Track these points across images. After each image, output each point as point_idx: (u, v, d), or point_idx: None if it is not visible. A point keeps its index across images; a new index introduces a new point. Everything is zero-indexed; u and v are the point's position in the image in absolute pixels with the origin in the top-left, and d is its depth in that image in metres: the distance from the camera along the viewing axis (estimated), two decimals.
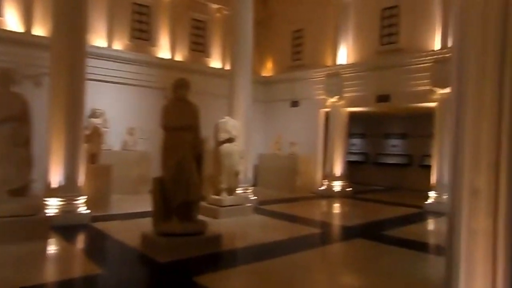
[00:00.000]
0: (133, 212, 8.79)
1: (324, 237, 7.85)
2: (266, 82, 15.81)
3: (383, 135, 17.62)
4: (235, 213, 8.87)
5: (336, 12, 13.63)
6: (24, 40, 10.31)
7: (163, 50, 13.38)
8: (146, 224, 6.37)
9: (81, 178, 7.72)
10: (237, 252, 6.40)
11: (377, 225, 9.06)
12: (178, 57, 13.71)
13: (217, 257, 5.91)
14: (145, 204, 9.24)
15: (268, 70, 16.34)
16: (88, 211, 7.67)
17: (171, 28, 13.50)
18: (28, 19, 10.70)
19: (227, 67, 13.57)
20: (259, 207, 10.09)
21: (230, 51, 11.38)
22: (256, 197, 10.59)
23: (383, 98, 12.44)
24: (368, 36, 13.05)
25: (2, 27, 10.29)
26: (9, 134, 6.18)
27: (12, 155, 6.16)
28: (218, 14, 14.72)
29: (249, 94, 10.69)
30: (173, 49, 13.59)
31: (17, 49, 10.14)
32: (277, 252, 6.29)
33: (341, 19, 13.47)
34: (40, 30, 10.74)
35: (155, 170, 10.97)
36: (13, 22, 10.54)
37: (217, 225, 7.45)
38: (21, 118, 6.35)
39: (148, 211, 6.97)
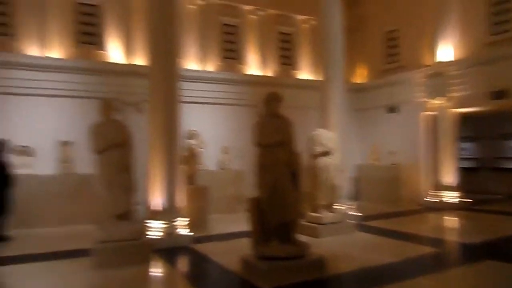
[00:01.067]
0: (231, 233, 8.68)
1: (443, 258, 6.85)
2: (359, 89, 14.98)
3: (499, 136, 15.55)
4: (336, 231, 8.27)
5: (436, 5, 12.40)
6: (125, 70, 11.05)
7: (252, 67, 13.42)
8: (245, 246, 6.13)
9: (181, 200, 7.82)
10: (343, 278, 5.82)
11: (506, 242, 7.75)
12: (267, 73, 13.64)
13: (322, 284, 5.41)
14: (242, 223, 9.12)
15: (360, 76, 15.50)
16: (190, 233, 7.70)
17: (259, 44, 13.53)
18: (129, 51, 11.47)
19: (317, 77, 13.14)
20: (362, 224, 9.34)
21: (320, 61, 10.95)
22: (357, 213, 9.85)
23: (498, 95, 10.91)
24: (474, 28, 11.66)
25: (106, 60, 11.16)
26: (114, 161, 6.41)
27: (117, 180, 6.38)
28: (305, 25, 14.42)
29: (343, 103, 10.12)
30: (262, 65, 13.58)
31: (120, 79, 10.89)
32: (389, 277, 5.59)
33: (442, 12, 12.21)
34: (139, 59, 11.43)
35: (250, 188, 10.98)
36: (116, 55, 11.36)
37: (318, 245, 6.94)
38: (124, 144, 6.57)
39: (245, 231, 6.76)
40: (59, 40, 10.71)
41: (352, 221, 8.94)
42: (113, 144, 6.44)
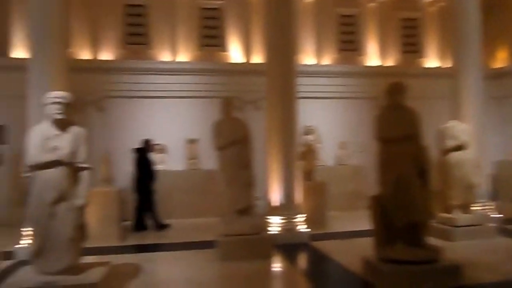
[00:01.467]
0: (350, 231, 8.35)
1: None
2: (499, 75, 13.09)
3: None
4: (473, 235, 7.33)
5: None
6: (245, 69, 11.43)
7: (371, 58, 12.74)
8: (366, 246, 5.79)
9: (299, 196, 7.77)
10: None
11: None
12: (388, 63, 12.80)
13: None
14: (362, 222, 8.65)
15: (500, 60, 13.56)
16: (308, 229, 7.61)
17: (379, 33, 12.76)
18: (247, 50, 11.85)
19: (447, 64, 11.92)
20: (504, 227, 8.14)
21: (450, 46, 9.86)
22: (498, 215, 8.62)
23: None
24: None
25: (228, 61, 11.72)
26: (234, 157, 6.64)
27: (237, 177, 6.59)
28: (431, 8, 13.15)
29: (479, 92, 8.95)
30: (382, 54, 12.79)
31: (239, 78, 11.30)
32: None
33: None
34: (257, 58, 11.73)
35: (370, 185, 10.41)
36: (236, 55, 11.84)
37: (451, 249, 6.21)
38: (243, 141, 6.76)
39: (366, 230, 6.38)
40: (186, 45, 11.57)
41: (492, 224, 7.85)
42: (233, 141, 6.67)
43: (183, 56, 11.54)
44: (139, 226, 8.91)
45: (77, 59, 10.69)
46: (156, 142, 10.57)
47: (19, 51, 10.34)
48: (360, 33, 12.72)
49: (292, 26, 8.08)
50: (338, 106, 12.19)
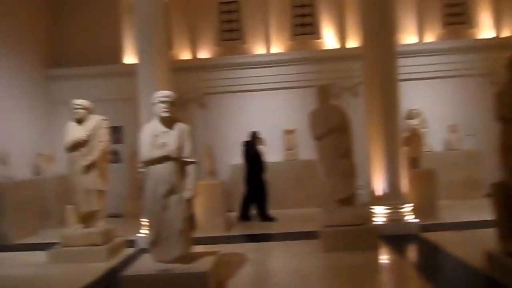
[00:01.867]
0: (465, 221, 7.61)
1: None
2: None
3: None
4: None
5: None
6: (340, 55, 11.08)
7: (484, 29, 11.39)
8: (486, 238, 5.23)
9: (404, 185, 7.30)
10: None
11: None
12: (505, 34, 11.32)
13: None
14: (478, 211, 7.90)
15: None
16: (416, 220, 7.13)
17: (493, 1, 11.34)
18: (342, 35, 11.44)
19: None
20: None
21: None
22: None
23: None
24: None
25: (322, 48, 11.46)
26: (332, 146, 6.47)
27: (336, 166, 6.41)
28: None
29: None
30: (497, 24, 11.34)
31: (334, 65, 10.99)
32: None
33: None
34: (353, 42, 11.28)
35: (487, 171, 9.40)
36: (331, 41, 11.53)
37: None
38: (341, 129, 6.54)
39: (484, 221, 5.75)
40: (279, 36, 11.59)
41: None
42: (331, 129, 6.48)
43: (277, 47, 11.58)
44: (244, 216, 9.20)
45: (179, 60, 11.38)
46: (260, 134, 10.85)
47: (130, 57, 11.36)
48: (469, 3, 11.44)
49: (390, 4, 7.56)
50: (446, 86, 11.15)
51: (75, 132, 6.58)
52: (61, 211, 7.77)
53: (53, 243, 6.85)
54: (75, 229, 6.65)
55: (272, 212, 9.32)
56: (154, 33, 7.44)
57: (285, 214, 9.69)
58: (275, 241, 7.24)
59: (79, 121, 6.67)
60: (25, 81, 10.64)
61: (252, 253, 6.38)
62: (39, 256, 6.74)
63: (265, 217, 9.13)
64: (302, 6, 11.67)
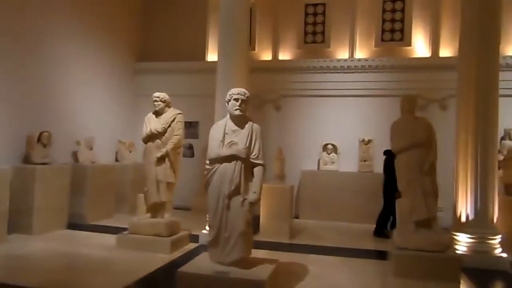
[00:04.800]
0: None
1: None
2: None
3: None
4: None
5: None
6: (430, 64, 10.27)
7: None
8: None
9: (494, 212, 6.44)
10: None
11: None
12: None
13: None
14: None
15: None
16: (505, 254, 6.26)
17: None
18: (434, 43, 10.57)
19: None
20: None
21: None
22: None
23: None
24: None
25: (410, 56, 10.72)
26: (414, 162, 5.91)
27: (417, 183, 5.84)
28: None
29: None
30: None
31: (423, 74, 10.21)
32: None
33: None
34: (446, 51, 10.39)
35: None
36: (420, 49, 10.73)
37: None
38: (425, 144, 5.95)
39: None
40: (364, 41, 11.05)
41: None
42: (414, 144, 5.93)
43: (361, 53, 11.04)
44: (380, 232, 8.42)
45: (260, 60, 11.35)
46: (329, 142, 10.45)
47: (213, 55, 11.59)
48: None
49: (496, 11, 6.73)
50: None
51: (152, 123, 6.77)
52: (134, 198, 8.07)
53: (123, 228, 7.11)
54: (143, 217, 6.84)
55: (341, 225, 8.85)
56: (237, 31, 7.42)
57: (355, 228, 9.18)
58: (341, 255, 6.78)
59: (157, 113, 6.86)
60: (116, 74, 11.37)
61: (314, 266, 6.03)
62: (110, 239, 7.02)
63: (381, 233, 8.38)
64: (393, 11, 11.00)
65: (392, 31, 10.99)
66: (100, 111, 10.56)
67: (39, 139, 7.92)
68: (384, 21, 11.01)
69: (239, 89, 4.92)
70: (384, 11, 11.03)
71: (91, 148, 9.51)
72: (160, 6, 12.40)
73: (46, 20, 8.75)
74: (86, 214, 8.72)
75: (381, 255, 6.57)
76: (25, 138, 7.88)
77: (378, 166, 10.06)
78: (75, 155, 9.29)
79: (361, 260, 6.53)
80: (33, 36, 8.41)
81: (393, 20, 10.99)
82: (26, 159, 7.86)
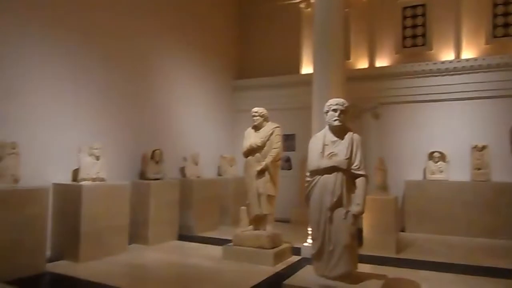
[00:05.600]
0: None
1: None
2: None
3: None
4: None
5: None
6: None
7: None
8: None
9: None
10: None
11: None
12: None
13: None
14: None
15: None
16: None
17: None
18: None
19: None
20: None
21: None
22: None
23: None
24: None
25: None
26: None
27: None
28: None
29: None
30: None
31: None
32: None
33: None
34: None
35: None
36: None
37: None
38: None
39: None
40: (471, 39, 10.16)
41: None
42: None
43: (469, 52, 10.15)
44: None
45: (355, 69, 11.10)
46: (437, 150, 9.76)
47: (307, 68, 11.64)
48: None
49: None
50: None
51: (251, 138, 7.00)
52: (236, 211, 8.37)
53: (227, 240, 7.40)
54: (246, 230, 7.05)
55: (452, 239, 8.12)
56: (332, 41, 7.35)
57: (468, 243, 8.36)
58: (454, 272, 6.19)
59: (256, 128, 7.07)
60: (216, 91, 12.05)
61: (426, 283, 5.59)
62: (216, 250, 7.36)
63: None
64: (506, 3, 9.94)
65: (507, 25, 9.92)
66: (203, 129, 11.25)
67: (152, 157, 8.69)
68: (495, 15, 10.02)
69: (337, 99, 4.86)
70: (495, 5, 10.04)
71: (196, 164, 10.13)
72: (254, 24, 12.88)
73: (155, 51, 9.64)
74: (193, 226, 9.27)
75: (502, 273, 5.86)
76: (140, 156, 8.71)
77: (495, 174, 9.16)
78: (182, 171, 9.99)
79: (479, 278, 5.89)
80: (145, 68, 9.31)
81: (506, 14, 9.93)
82: (142, 175, 8.68)
